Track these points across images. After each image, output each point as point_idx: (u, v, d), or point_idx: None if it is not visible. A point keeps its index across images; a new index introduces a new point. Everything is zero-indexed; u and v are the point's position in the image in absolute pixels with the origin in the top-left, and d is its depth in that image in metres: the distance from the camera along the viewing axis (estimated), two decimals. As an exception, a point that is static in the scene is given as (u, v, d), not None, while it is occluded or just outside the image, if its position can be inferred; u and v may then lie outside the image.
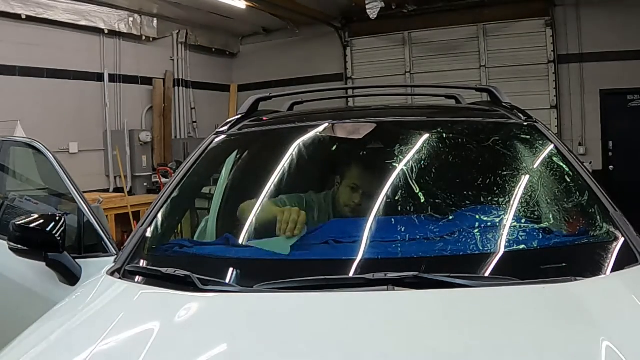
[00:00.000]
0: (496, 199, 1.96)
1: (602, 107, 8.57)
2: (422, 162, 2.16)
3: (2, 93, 7.05)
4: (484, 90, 2.99)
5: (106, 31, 8.40)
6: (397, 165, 2.14)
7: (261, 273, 1.71)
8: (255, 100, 2.66)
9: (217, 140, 2.40)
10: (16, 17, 7.24)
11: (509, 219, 1.87)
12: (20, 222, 2.06)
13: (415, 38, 9.55)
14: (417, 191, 2.07)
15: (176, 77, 9.79)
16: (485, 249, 1.75)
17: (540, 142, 2.20)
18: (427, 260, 1.69)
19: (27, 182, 3.22)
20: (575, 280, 1.50)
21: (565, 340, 1.26)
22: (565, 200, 2.03)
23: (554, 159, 2.12)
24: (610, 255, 1.68)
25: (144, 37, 9.01)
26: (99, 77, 8.49)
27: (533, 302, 1.44)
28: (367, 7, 7.81)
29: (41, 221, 2.05)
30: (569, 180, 2.04)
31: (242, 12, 8.81)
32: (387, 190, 2.03)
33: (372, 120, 2.55)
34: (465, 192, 2.02)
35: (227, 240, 2.01)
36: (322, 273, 1.59)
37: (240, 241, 2.01)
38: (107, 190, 8.31)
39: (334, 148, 2.49)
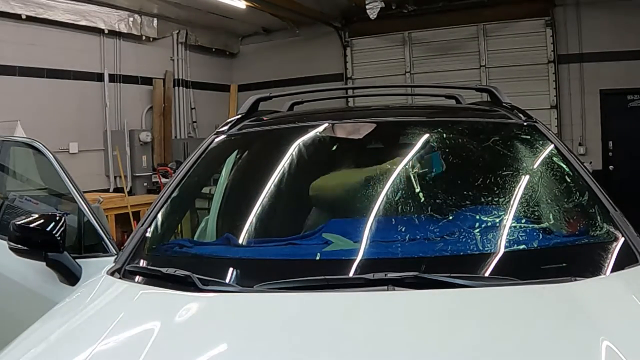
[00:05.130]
0: (496, 199, 1.96)
1: (602, 107, 8.57)
2: (422, 162, 2.16)
3: (2, 93, 7.04)
4: (484, 90, 2.99)
5: (106, 31, 8.40)
6: (397, 165, 2.14)
7: (261, 273, 1.71)
8: (255, 100, 2.66)
9: (217, 140, 2.40)
10: (16, 17, 7.23)
11: (509, 219, 1.87)
12: (20, 222, 2.06)
13: (415, 38, 9.54)
14: (418, 191, 2.07)
15: (176, 77, 9.79)
16: (486, 249, 1.75)
17: (540, 142, 2.20)
18: (427, 261, 1.69)
19: (27, 182, 3.22)
20: (576, 280, 1.50)
21: (565, 340, 1.26)
22: (565, 200, 2.03)
23: (554, 159, 2.12)
24: (610, 255, 1.68)
25: (144, 37, 9.01)
26: (99, 77, 8.48)
27: (533, 302, 1.44)
28: (367, 7, 7.81)
29: (41, 221, 2.05)
30: (569, 180, 2.04)
31: (242, 12, 8.81)
32: (387, 190, 2.03)
33: (372, 120, 2.55)
34: (465, 192, 2.02)
35: (227, 240, 2.01)
36: (322, 273, 1.59)
37: (240, 241, 2.01)
38: (107, 190, 8.30)
39: (334, 148, 2.49)
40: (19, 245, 2.07)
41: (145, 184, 9.01)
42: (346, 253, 1.78)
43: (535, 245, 1.76)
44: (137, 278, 1.76)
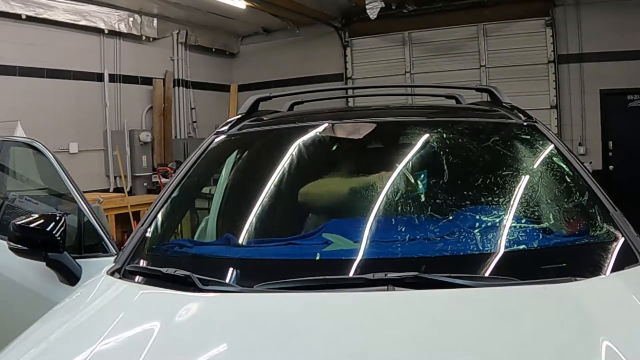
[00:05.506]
0: (496, 199, 1.96)
1: (602, 107, 8.57)
2: (422, 162, 2.16)
3: (2, 93, 7.05)
4: (484, 90, 2.99)
5: (106, 31, 8.40)
6: (397, 165, 2.14)
7: (261, 273, 1.71)
8: (255, 100, 2.66)
9: (217, 140, 2.40)
10: (16, 17, 7.24)
11: (509, 219, 1.87)
12: (20, 222, 2.06)
13: (415, 38, 9.55)
14: (418, 191, 2.07)
15: (176, 77, 9.79)
16: (486, 249, 1.75)
17: (540, 142, 2.20)
18: (427, 261, 1.69)
19: (27, 182, 3.22)
20: (575, 280, 1.50)
21: (565, 340, 1.26)
22: (565, 200, 2.03)
23: (554, 159, 2.12)
24: (610, 256, 1.68)
25: (144, 37, 9.01)
26: (99, 77, 8.49)
27: (533, 303, 1.44)
28: (367, 7, 7.81)
29: (41, 221, 2.05)
30: (569, 180, 2.04)
31: (242, 12, 8.81)
32: (387, 191, 2.03)
33: (372, 120, 2.55)
34: (465, 192, 2.01)
35: (227, 240, 2.01)
36: (322, 273, 1.59)
37: (240, 241, 2.01)
38: (107, 190, 8.31)
39: (334, 148, 2.49)
40: (19, 245, 2.07)
41: (145, 184, 9.01)
42: (346, 253, 1.78)
43: (535, 245, 1.76)
44: (137, 278, 1.76)
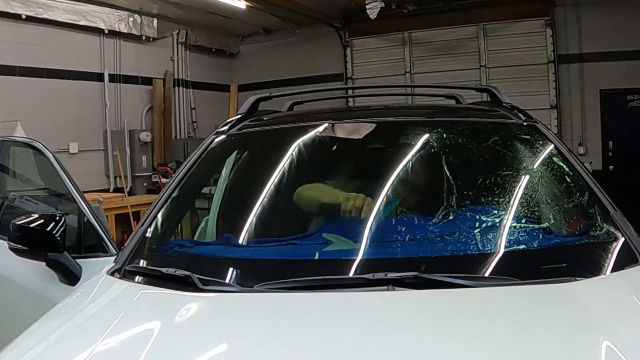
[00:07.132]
0: (496, 199, 1.96)
1: (602, 107, 8.57)
2: (422, 162, 2.16)
3: (2, 93, 7.04)
4: (484, 90, 2.99)
5: (106, 31, 8.40)
6: (397, 165, 2.14)
7: (261, 273, 1.71)
8: (255, 100, 2.66)
9: (217, 140, 2.40)
10: (16, 17, 7.23)
11: (509, 219, 1.87)
12: (20, 222, 2.05)
13: (415, 38, 9.54)
14: (417, 191, 2.07)
15: (176, 77, 9.79)
16: (486, 249, 1.75)
17: (540, 142, 2.20)
18: (427, 261, 1.69)
19: (27, 182, 3.22)
20: (576, 280, 1.50)
21: (566, 340, 1.26)
22: (565, 200, 2.04)
23: (554, 159, 2.12)
24: (610, 256, 1.68)
25: (144, 37, 9.01)
26: (99, 77, 8.48)
27: (533, 302, 1.44)
28: (367, 7, 7.81)
29: (41, 221, 2.05)
30: (569, 180, 2.04)
31: (242, 12, 8.81)
32: (388, 190, 2.03)
33: (372, 120, 2.55)
34: (465, 192, 2.02)
35: (227, 240, 2.01)
36: (322, 273, 1.59)
37: (240, 241, 2.01)
38: (107, 190, 8.30)
39: (334, 148, 2.49)
40: (19, 245, 2.07)
41: (145, 184, 9.01)
42: (346, 253, 1.78)
43: (536, 246, 1.76)
44: (137, 278, 1.76)
